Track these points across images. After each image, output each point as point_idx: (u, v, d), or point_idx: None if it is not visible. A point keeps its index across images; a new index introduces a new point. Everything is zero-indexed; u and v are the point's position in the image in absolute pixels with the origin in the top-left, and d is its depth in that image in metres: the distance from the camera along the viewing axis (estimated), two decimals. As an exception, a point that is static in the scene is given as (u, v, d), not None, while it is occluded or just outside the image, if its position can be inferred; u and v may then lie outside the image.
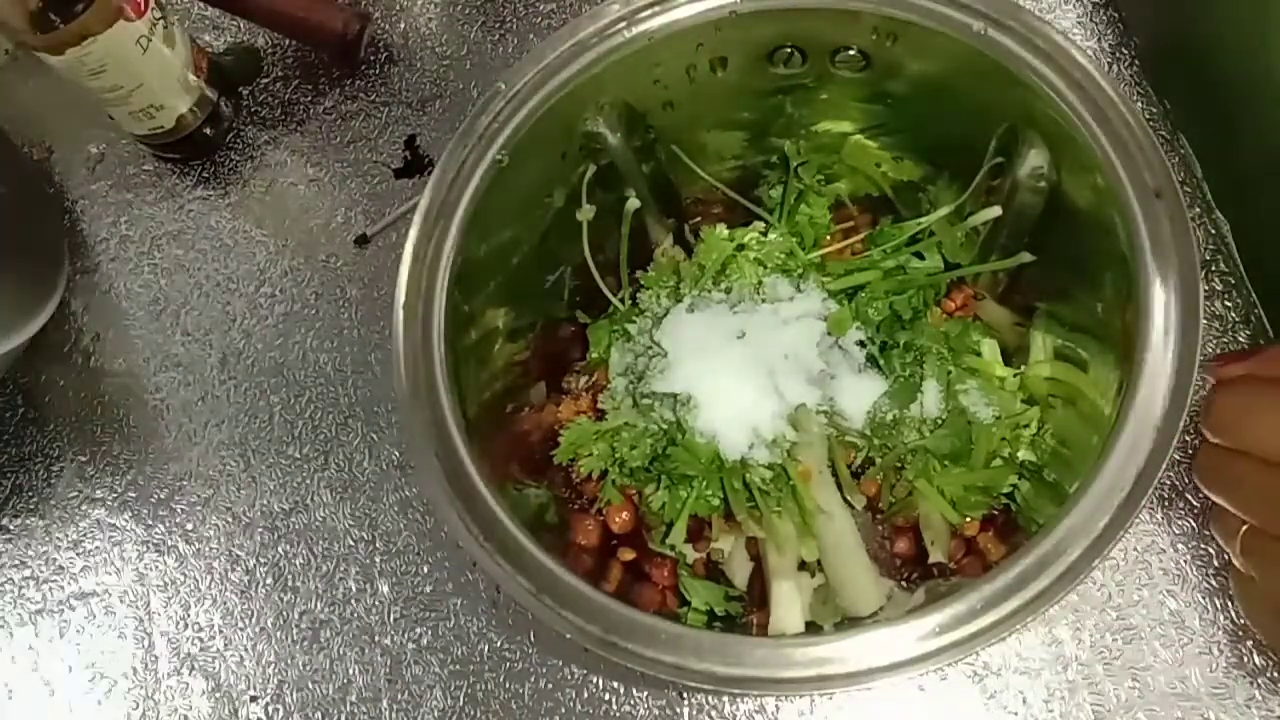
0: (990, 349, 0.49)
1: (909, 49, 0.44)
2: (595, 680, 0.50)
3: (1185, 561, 0.48)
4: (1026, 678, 0.47)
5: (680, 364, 0.48)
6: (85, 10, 0.52)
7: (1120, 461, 0.36)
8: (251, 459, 0.57)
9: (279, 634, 0.53)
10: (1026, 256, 0.48)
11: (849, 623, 0.44)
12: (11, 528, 0.58)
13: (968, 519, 0.47)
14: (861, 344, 0.49)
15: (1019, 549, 0.36)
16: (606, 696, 0.50)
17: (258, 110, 0.64)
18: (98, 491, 0.57)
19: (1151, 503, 0.49)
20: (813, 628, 0.44)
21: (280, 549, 0.55)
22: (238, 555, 0.55)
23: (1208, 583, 0.47)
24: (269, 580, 0.54)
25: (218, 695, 0.52)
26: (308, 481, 0.56)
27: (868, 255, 0.51)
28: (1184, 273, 0.38)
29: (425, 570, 0.53)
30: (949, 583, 0.46)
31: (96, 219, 0.64)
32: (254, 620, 0.53)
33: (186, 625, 0.54)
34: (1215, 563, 0.48)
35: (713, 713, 0.49)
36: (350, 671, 0.52)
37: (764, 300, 0.49)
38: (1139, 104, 0.56)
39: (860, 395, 0.48)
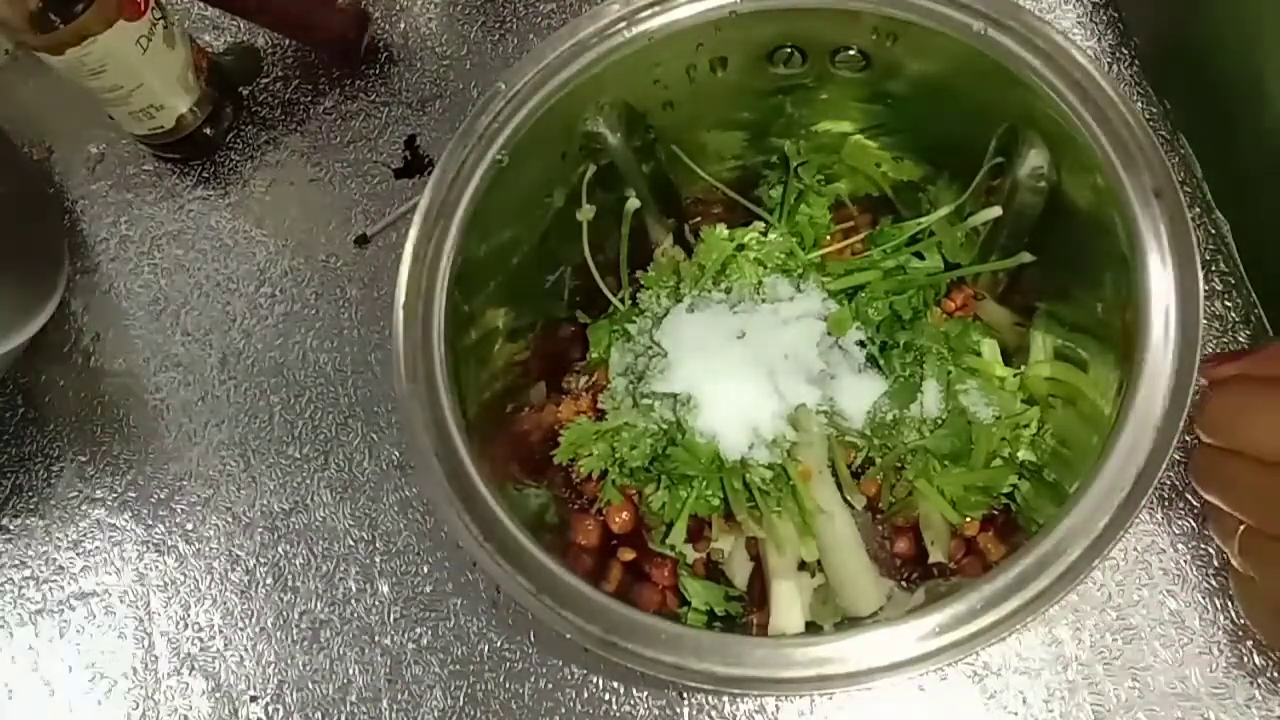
0: (990, 349, 0.49)
1: (909, 49, 0.44)
2: (595, 680, 0.50)
3: (1185, 561, 0.48)
4: (1026, 678, 0.47)
5: (680, 364, 0.48)
6: (85, 10, 0.52)
7: (1120, 461, 0.36)
8: (251, 459, 0.57)
9: (279, 634, 0.53)
10: (1026, 256, 0.47)
11: (849, 623, 0.44)
12: (11, 528, 0.58)
13: (968, 519, 0.47)
14: (861, 344, 0.49)
15: (1019, 549, 0.36)
16: (606, 696, 0.50)
17: (258, 110, 0.64)
18: (98, 491, 0.57)
19: (1151, 503, 0.49)
20: (813, 628, 0.44)
21: (280, 549, 0.55)
22: (238, 555, 0.55)
23: (1208, 583, 0.47)
24: (269, 580, 0.54)
25: (218, 695, 0.52)
26: (308, 481, 0.56)
27: (868, 255, 0.51)
28: (1184, 273, 0.38)
29: (425, 570, 0.53)
30: (949, 583, 0.46)
31: (96, 219, 0.64)
32: (254, 620, 0.53)
33: (186, 625, 0.54)
34: (1215, 563, 0.48)
35: (713, 713, 0.49)
36: (350, 671, 0.52)
37: (764, 300, 0.49)
38: (1139, 104, 0.56)
39: (860, 395, 0.48)
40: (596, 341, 0.52)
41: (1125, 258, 0.39)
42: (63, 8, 0.52)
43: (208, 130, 0.62)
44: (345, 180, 0.62)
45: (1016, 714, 0.47)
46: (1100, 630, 0.47)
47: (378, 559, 0.54)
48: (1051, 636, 0.47)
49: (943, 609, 0.36)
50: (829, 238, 0.52)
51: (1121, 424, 0.37)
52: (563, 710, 0.50)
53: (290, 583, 0.54)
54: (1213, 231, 0.53)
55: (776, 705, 0.48)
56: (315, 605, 0.53)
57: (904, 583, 0.48)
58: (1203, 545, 0.48)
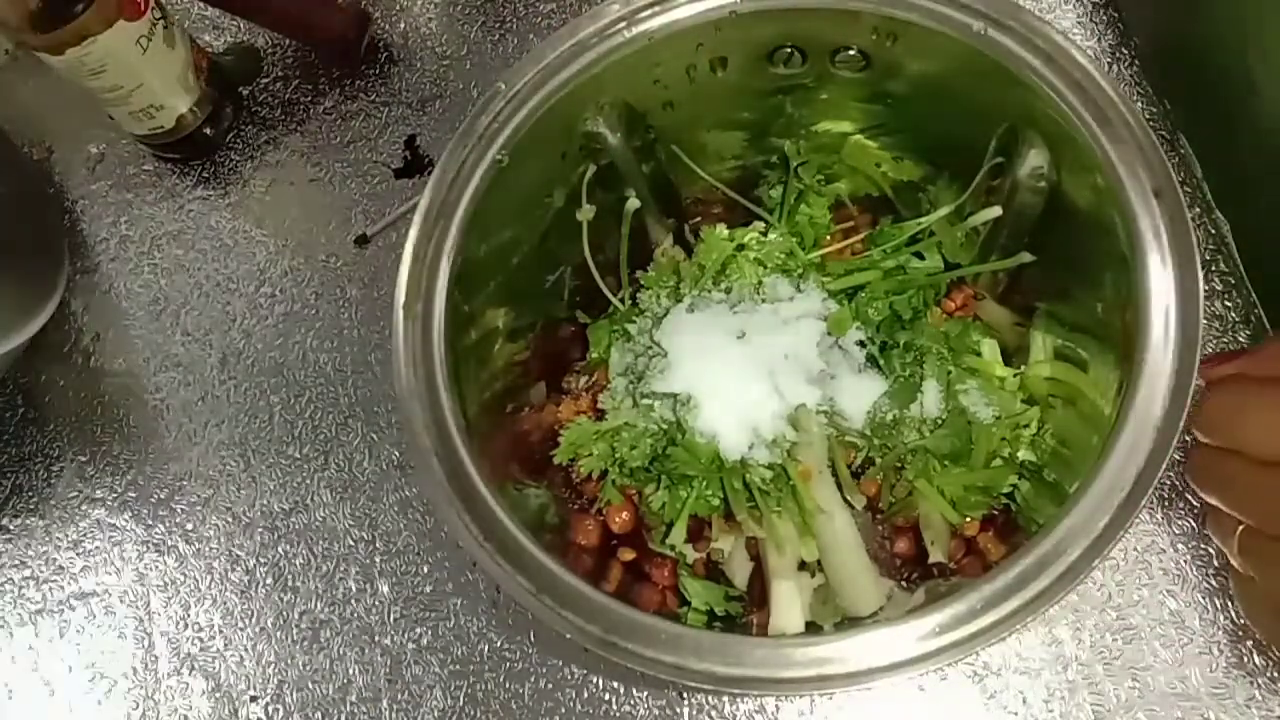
0: (990, 349, 0.49)
1: (909, 49, 0.44)
2: (595, 680, 0.50)
3: (1185, 561, 0.48)
4: (1026, 678, 0.47)
5: (680, 364, 0.48)
6: (85, 10, 0.52)
7: (1120, 461, 0.36)
8: (251, 459, 0.57)
9: (279, 634, 0.53)
10: (1026, 256, 0.47)
11: (849, 623, 0.44)
12: (11, 528, 0.58)
13: (968, 519, 0.47)
14: (861, 344, 0.49)
15: (1019, 549, 0.36)
16: (606, 696, 0.50)
17: (258, 110, 0.64)
18: (98, 491, 0.57)
19: (1151, 503, 0.49)
20: (813, 628, 0.44)
21: (280, 549, 0.55)
22: (238, 555, 0.55)
23: (1208, 583, 0.47)
24: (269, 580, 0.54)
25: (218, 695, 0.52)
26: (308, 481, 0.56)
27: (868, 255, 0.51)
28: (1184, 273, 0.38)
29: (425, 570, 0.53)
30: (949, 583, 0.46)
31: (96, 219, 0.64)
32: (254, 620, 0.53)
33: (186, 625, 0.54)
34: (1215, 563, 0.48)
35: (713, 713, 0.49)
36: (350, 671, 0.52)
37: (764, 300, 0.49)
38: (1139, 104, 0.56)
39: (860, 395, 0.48)
40: (596, 341, 0.52)
41: (1125, 258, 0.39)
42: (63, 8, 0.52)
43: (208, 130, 0.62)
44: (345, 180, 0.62)
45: (1016, 714, 0.47)
46: (1100, 630, 0.47)
47: (378, 559, 0.54)
48: (1051, 636, 0.47)
49: (943, 609, 0.36)
50: (829, 238, 0.52)
51: (1121, 424, 0.37)
52: (563, 710, 0.50)
53: (290, 583, 0.54)
54: (1213, 231, 0.53)
55: (776, 705, 0.48)
56: (315, 605, 0.53)
57: (904, 583, 0.48)
58: (1203, 545, 0.48)
